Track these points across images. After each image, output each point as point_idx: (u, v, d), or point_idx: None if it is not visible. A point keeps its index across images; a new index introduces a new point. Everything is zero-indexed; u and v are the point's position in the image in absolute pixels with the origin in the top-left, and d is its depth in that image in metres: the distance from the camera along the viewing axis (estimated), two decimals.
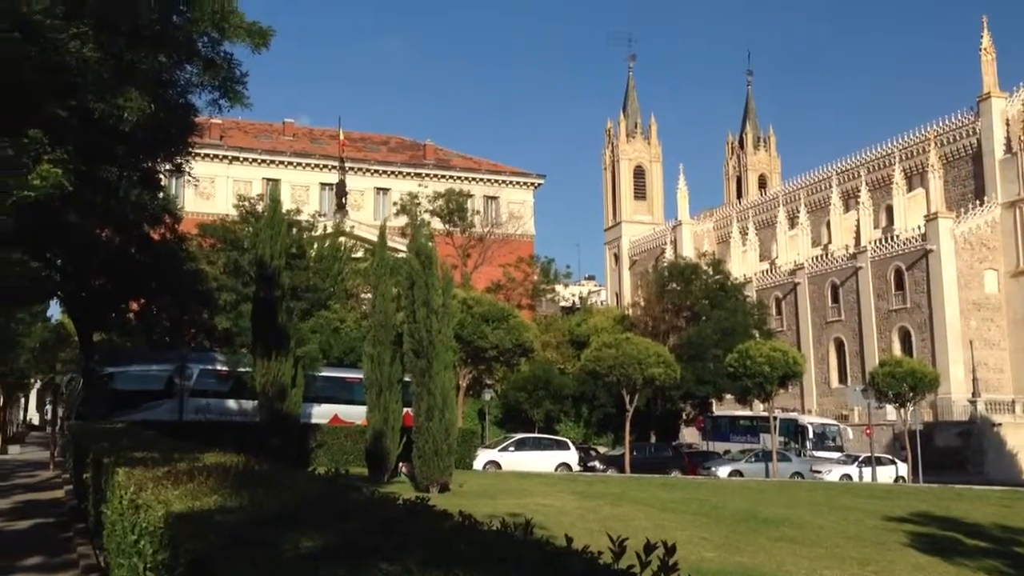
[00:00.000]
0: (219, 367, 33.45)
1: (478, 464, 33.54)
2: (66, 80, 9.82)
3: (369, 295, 31.98)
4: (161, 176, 25.72)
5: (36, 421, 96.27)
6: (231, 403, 32.89)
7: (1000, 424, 53.28)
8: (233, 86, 13.95)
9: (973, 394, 55.66)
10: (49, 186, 9.69)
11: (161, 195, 27.18)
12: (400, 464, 24.50)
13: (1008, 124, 65.92)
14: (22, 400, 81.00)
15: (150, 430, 16.01)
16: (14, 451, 51.77)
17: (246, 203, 47.64)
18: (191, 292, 30.82)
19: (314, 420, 32.14)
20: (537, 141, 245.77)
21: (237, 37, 13.27)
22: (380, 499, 5.46)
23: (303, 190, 66.30)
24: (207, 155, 58.17)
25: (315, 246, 46.47)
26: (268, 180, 65.03)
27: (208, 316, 34.91)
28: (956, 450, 52.90)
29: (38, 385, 77.06)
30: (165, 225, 29.23)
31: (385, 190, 68.56)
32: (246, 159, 65.50)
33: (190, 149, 21.72)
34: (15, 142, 9.56)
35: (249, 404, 29.50)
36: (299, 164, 67.19)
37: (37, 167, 9.55)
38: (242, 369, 30.47)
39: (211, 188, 63.05)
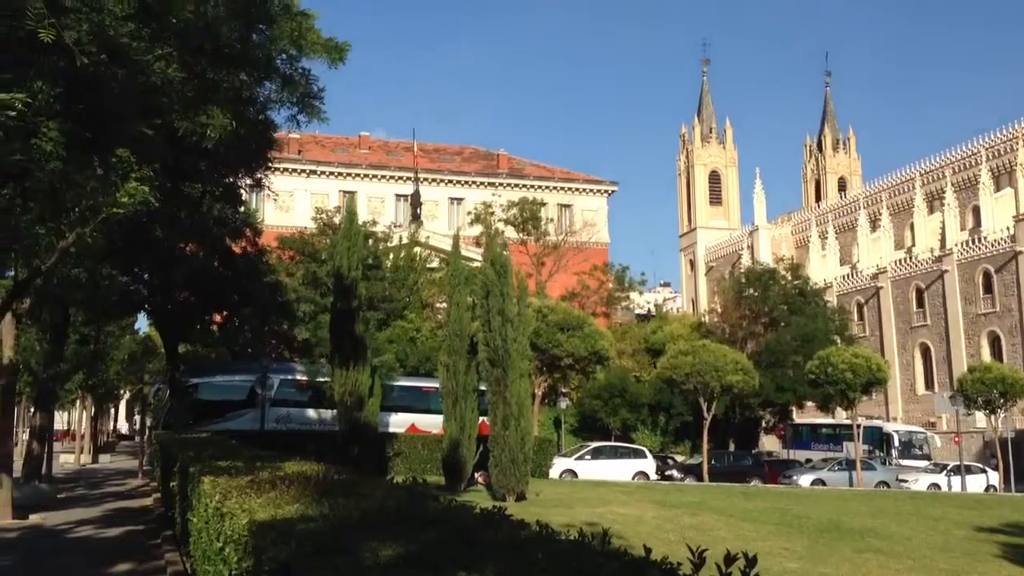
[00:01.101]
0: (299, 377, 34.04)
1: (554, 473, 33.46)
2: (152, 100, 10.15)
3: (444, 305, 32.24)
4: (242, 191, 26.39)
5: (125, 431, 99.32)
6: (311, 412, 33.43)
7: None
8: (310, 101, 14.21)
9: None
10: (136, 203, 10.02)
11: (242, 209, 27.91)
12: (476, 473, 24.55)
13: None
14: (112, 411, 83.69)
15: (233, 439, 16.37)
16: (104, 460, 53.56)
17: (323, 216, 48.56)
18: (271, 304, 31.55)
19: (391, 429, 32.46)
20: (611, 148, 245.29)
21: (315, 53, 13.52)
22: (457, 508, 5.49)
23: (379, 202, 67.27)
24: (286, 169, 59.47)
25: (391, 257, 47.08)
26: (345, 192, 66.15)
27: (288, 327, 35.60)
28: None
29: (127, 396, 79.50)
30: (246, 239, 29.97)
31: (459, 200, 69.13)
32: (323, 172, 66.77)
33: (269, 164, 22.23)
34: (104, 161, 9.92)
35: (328, 413, 29.96)
36: (375, 176, 68.21)
37: (125, 185, 9.88)
38: (321, 379, 30.96)
39: (290, 201, 64.38)
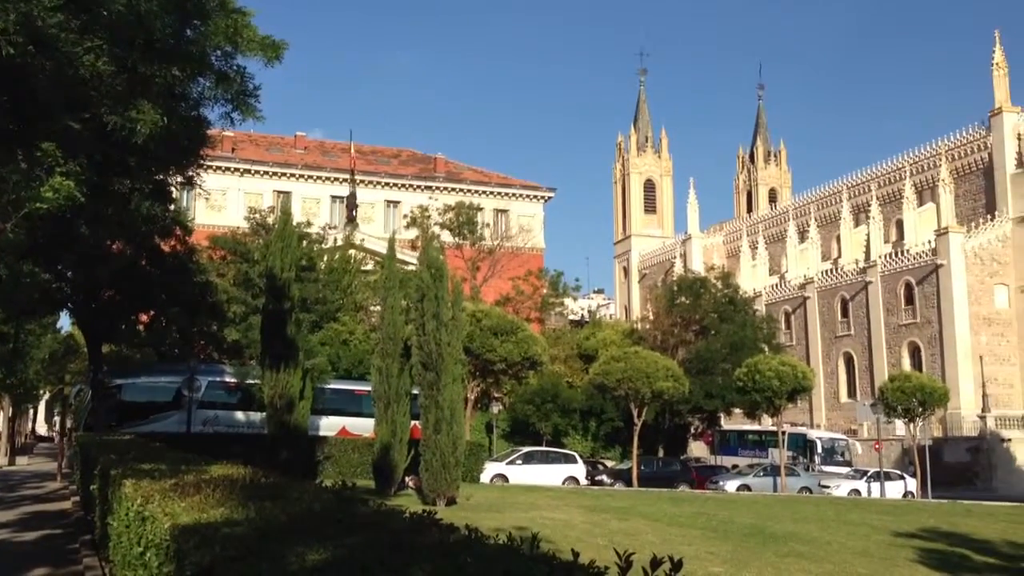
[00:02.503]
0: (227, 379, 33.52)
1: (485, 477, 33.49)
2: (80, 93, 9.91)
3: (378, 308, 32.07)
4: (173, 188, 25.85)
5: (44, 432, 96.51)
6: (239, 415, 32.94)
7: (1009, 440, 53.02)
8: (245, 99, 14.01)
9: (983, 409, 55.38)
10: (61, 198, 9.77)
11: (172, 207, 27.31)
12: (407, 477, 24.47)
13: (1020, 139, 65.80)
14: (31, 411, 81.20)
15: (158, 442, 16.04)
16: (22, 462, 51.90)
17: (257, 215, 47.88)
18: (200, 304, 30.97)
19: (322, 432, 32.17)
20: (549, 155, 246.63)
21: (251, 51, 13.33)
22: (387, 512, 5.47)
23: (314, 203, 66.59)
24: (219, 168, 58.54)
25: (325, 259, 46.60)
26: (279, 193, 65.34)
27: (217, 328, 35.01)
28: (965, 466, 52.63)
29: (47, 396, 77.28)
30: (176, 237, 29.38)
31: (396, 203, 68.80)
32: (257, 172, 65.82)
33: (202, 161, 21.83)
34: (29, 155, 9.65)
35: (257, 416, 29.59)
36: (310, 177, 67.48)
37: (50, 179, 9.62)
38: (250, 381, 30.54)
39: (222, 200, 63.37)
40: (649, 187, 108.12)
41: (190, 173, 22.38)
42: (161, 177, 22.16)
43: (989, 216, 65.79)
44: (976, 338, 61.90)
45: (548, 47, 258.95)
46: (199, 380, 31.15)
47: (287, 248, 23.11)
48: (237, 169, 64.66)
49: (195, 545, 4.50)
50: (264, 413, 24.06)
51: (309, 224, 48.81)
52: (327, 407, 33.63)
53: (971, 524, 26.46)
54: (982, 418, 54.70)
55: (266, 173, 66.15)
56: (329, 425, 33.53)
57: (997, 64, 66.51)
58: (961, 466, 52.30)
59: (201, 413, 31.42)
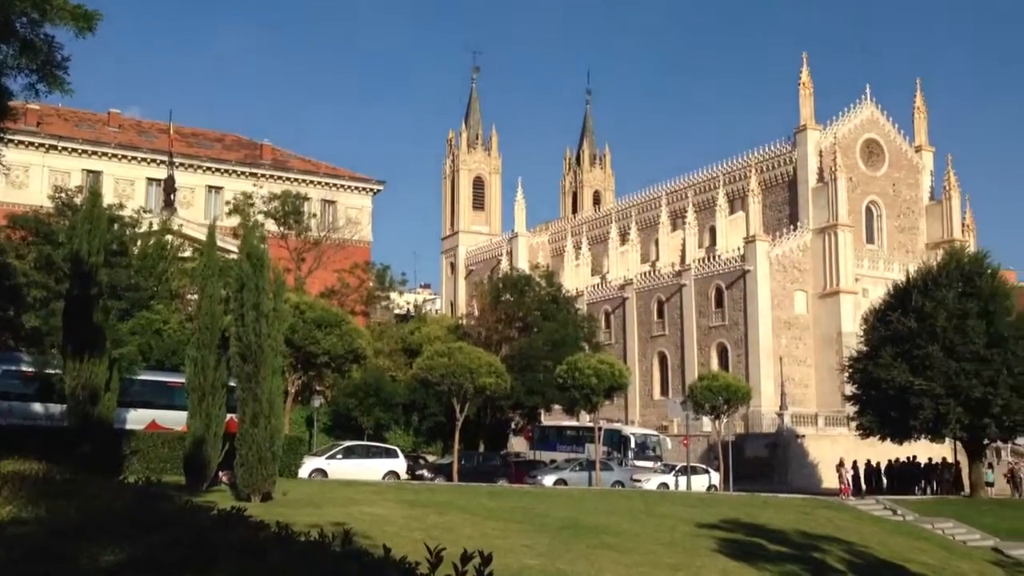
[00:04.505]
0: (24, 368, 31.33)
1: (303, 472, 32.82)
2: None
3: (196, 296, 30.82)
4: None
5: None
6: (37, 407, 30.85)
7: (804, 436, 56.82)
8: (53, 71, 13.20)
9: (780, 407, 59.17)
10: None
11: None
12: (221, 472, 23.69)
13: (821, 155, 70.77)
14: None
15: None
16: None
17: (63, 195, 45.11)
18: None
19: (129, 426, 30.58)
20: (380, 148, 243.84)
21: (60, 19, 12.57)
22: (193, 509, 5.28)
23: (128, 184, 63.19)
24: (21, 142, 54.79)
25: (139, 243, 44.36)
26: (89, 172, 61.64)
27: (14, 313, 32.72)
28: (764, 460, 56.03)
29: None
30: None
31: (218, 189, 66.27)
32: (65, 148, 61.75)
33: (1, 134, 20.33)
34: None
35: (57, 408, 27.81)
36: (124, 157, 63.91)
37: None
38: (51, 371, 28.65)
39: (24, 177, 59.24)
40: (478, 184, 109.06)
41: None
42: None
43: (792, 226, 70.41)
44: (777, 340, 66.18)
45: (384, 39, 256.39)
46: None
47: (95, 230, 21.91)
48: (42, 145, 60.43)
49: None
50: (65, 405, 22.70)
51: (122, 206, 46.24)
52: (136, 399, 32.08)
53: (767, 515, 28.30)
54: (780, 415, 58.40)
55: (75, 151, 62.16)
56: (137, 418, 31.95)
57: (803, 83, 71.19)
58: (760, 461, 55.64)
59: None
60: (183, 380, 24.33)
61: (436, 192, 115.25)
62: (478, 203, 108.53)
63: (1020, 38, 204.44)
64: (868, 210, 72.72)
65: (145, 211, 53.19)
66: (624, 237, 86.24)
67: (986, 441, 44.24)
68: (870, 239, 72.27)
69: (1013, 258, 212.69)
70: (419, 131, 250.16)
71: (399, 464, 37.08)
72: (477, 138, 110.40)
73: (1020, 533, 33.40)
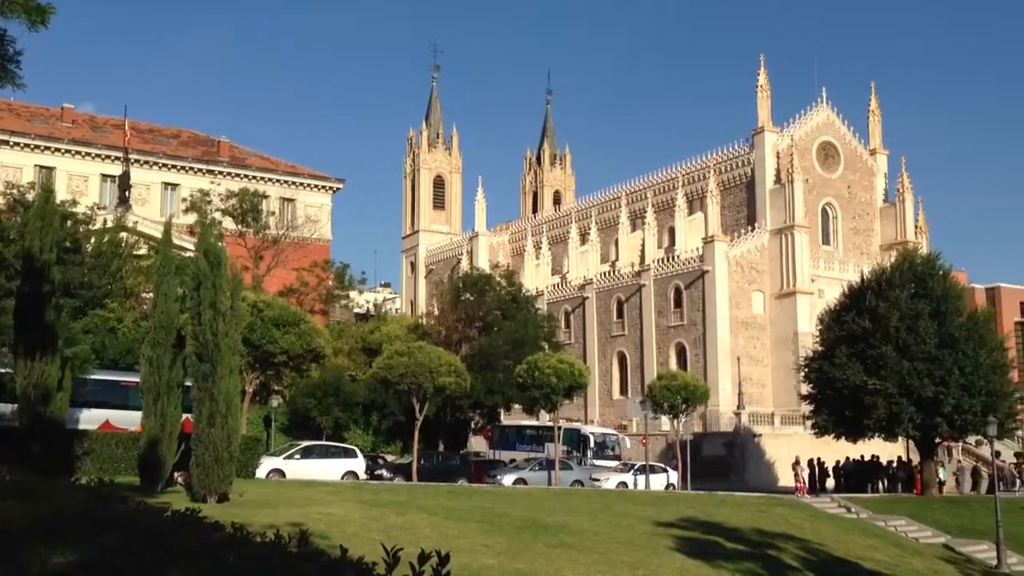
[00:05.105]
0: None
1: (261, 473, 32.51)
2: None
3: (151, 295, 30.39)
4: None
5: None
6: None
7: (760, 435, 57.47)
8: (4, 64, 12.96)
9: (738, 407, 59.80)
10: None
11: None
12: (176, 473, 23.40)
13: (778, 157, 71.59)
14: None
15: None
16: None
17: (14, 191, 44.38)
18: None
19: (82, 426, 30.08)
20: (339, 146, 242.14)
21: (12, 12, 12.34)
22: (146, 511, 5.20)
23: (81, 181, 62.18)
24: None
25: (93, 241, 43.68)
26: (41, 168, 60.58)
27: None
28: (721, 459, 56.56)
29: None
30: None
31: (174, 186, 65.45)
32: (16, 144, 60.60)
33: None
34: None
35: (8, 408, 27.26)
36: (78, 153, 62.87)
37: None
38: (1, 369, 28.10)
39: None
40: (439, 183, 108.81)
41: None
42: None
43: (750, 227, 71.16)
44: (735, 340, 66.84)
45: (343, 36, 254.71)
46: None
47: (48, 227, 21.56)
48: None
49: None
50: (15, 405, 22.31)
51: (75, 203, 45.56)
52: (89, 399, 31.57)
53: (724, 513, 28.57)
54: (737, 415, 59.00)
55: (27, 146, 61.04)
56: (90, 418, 31.45)
57: (761, 86, 71.95)
58: (718, 459, 56.16)
59: None
60: (137, 379, 23.99)
61: (396, 191, 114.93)
62: (439, 202, 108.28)
63: (974, 39, 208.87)
64: (824, 212, 73.74)
65: (99, 208, 52.46)
66: (584, 237, 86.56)
67: (938, 440, 45.09)
68: (826, 240, 73.29)
69: (964, 260, 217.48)
70: (379, 130, 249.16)
71: (358, 464, 36.87)
72: (438, 137, 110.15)
73: (970, 530, 34.14)
